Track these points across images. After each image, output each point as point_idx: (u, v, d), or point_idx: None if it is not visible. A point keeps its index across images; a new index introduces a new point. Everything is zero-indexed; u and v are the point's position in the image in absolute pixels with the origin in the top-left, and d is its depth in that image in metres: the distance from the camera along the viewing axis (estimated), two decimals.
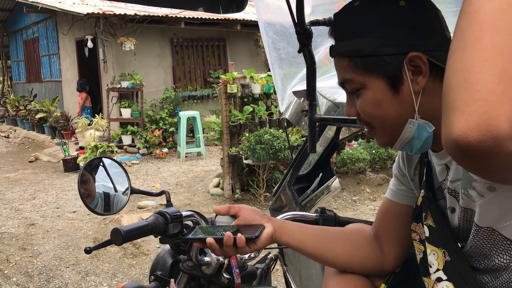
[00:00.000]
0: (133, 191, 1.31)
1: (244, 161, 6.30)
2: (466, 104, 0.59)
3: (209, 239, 1.10)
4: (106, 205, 1.29)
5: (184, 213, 1.21)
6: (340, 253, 1.25)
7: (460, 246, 1.08)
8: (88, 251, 1.10)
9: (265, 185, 6.23)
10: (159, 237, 1.19)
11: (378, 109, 0.99)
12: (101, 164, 1.39)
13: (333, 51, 1.05)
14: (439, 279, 1.06)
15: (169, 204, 1.24)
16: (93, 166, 1.31)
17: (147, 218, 1.16)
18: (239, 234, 1.11)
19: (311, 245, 1.23)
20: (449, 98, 0.62)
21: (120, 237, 1.05)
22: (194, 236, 1.14)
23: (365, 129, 1.08)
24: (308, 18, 1.58)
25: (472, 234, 1.01)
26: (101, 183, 1.36)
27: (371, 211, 5.96)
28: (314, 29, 1.62)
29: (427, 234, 1.10)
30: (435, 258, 1.08)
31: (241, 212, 1.21)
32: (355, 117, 1.07)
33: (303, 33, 1.58)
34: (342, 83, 1.05)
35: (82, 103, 11.40)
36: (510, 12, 0.59)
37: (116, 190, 1.36)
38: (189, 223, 1.25)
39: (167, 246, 1.43)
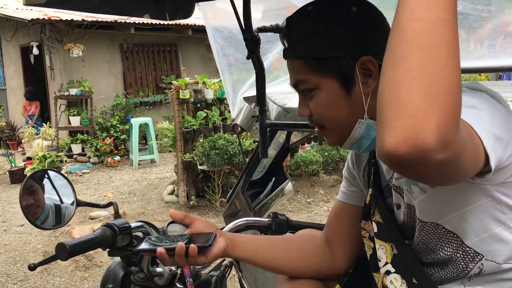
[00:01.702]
0: (79, 203, 1.27)
1: (199, 167, 6.26)
2: (396, 120, 0.62)
3: (160, 249, 1.08)
4: (51, 219, 1.25)
5: (133, 225, 1.19)
6: (291, 261, 1.28)
7: (407, 243, 1.12)
8: (32, 267, 1.06)
9: (220, 191, 6.21)
10: (108, 250, 1.16)
11: (331, 110, 1.03)
12: (46, 176, 1.34)
13: (287, 53, 1.08)
14: (387, 272, 1.10)
15: (117, 215, 1.21)
16: (36, 180, 1.26)
17: (94, 231, 1.13)
18: (192, 244, 1.09)
19: (261, 257, 1.25)
20: (382, 113, 0.65)
21: (65, 252, 1.02)
22: (144, 247, 1.11)
23: (316, 129, 1.11)
24: (258, 23, 1.59)
25: (417, 230, 1.06)
26: (47, 195, 1.31)
27: (325, 212, 6.05)
28: (262, 35, 1.63)
29: (375, 230, 1.14)
30: (384, 252, 1.12)
31: (195, 223, 1.20)
32: (307, 118, 1.10)
33: (251, 40, 1.59)
34: (296, 84, 1.08)
35: (38, 112, 10.98)
36: (435, 31, 0.62)
37: (62, 203, 1.32)
38: (139, 234, 1.23)
39: (118, 258, 1.40)
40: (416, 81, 0.61)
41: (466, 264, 0.98)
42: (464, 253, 0.98)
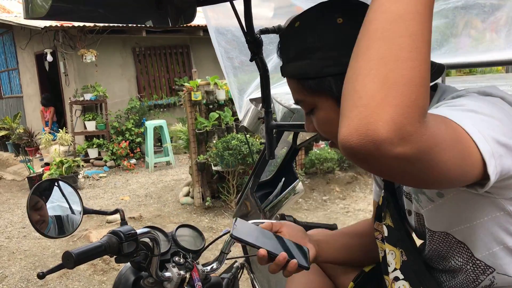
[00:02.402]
0: (86, 211, 1.29)
1: (213, 168, 6.27)
2: (350, 110, 0.62)
3: (263, 251, 1.09)
4: (59, 227, 1.26)
5: (139, 231, 1.19)
6: (362, 256, 1.33)
7: (423, 245, 1.11)
8: (41, 276, 1.08)
9: (235, 191, 6.22)
10: (115, 257, 1.17)
11: (331, 127, 1.00)
12: (56, 185, 1.36)
13: (282, 72, 1.06)
14: (396, 278, 1.08)
15: (123, 222, 1.22)
16: (42, 189, 1.28)
17: (100, 239, 1.14)
18: (294, 260, 1.10)
19: (342, 258, 1.31)
20: (342, 104, 0.65)
21: (71, 260, 1.03)
22: (246, 239, 1.12)
23: (328, 143, 1.10)
24: (270, 21, 1.58)
25: (428, 239, 1.05)
26: (56, 204, 1.33)
27: (341, 210, 6.03)
28: (264, 37, 1.63)
29: (386, 234, 1.13)
30: (393, 258, 1.10)
31: (284, 229, 1.21)
32: (314, 132, 1.09)
33: (253, 42, 1.59)
34: (297, 102, 1.07)
35: (51, 118, 11.14)
36: (400, 23, 0.61)
37: (72, 211, 1.34)
38: (146, 240, 1.24)
39: (129, 263, 1.41)
40: (374, 71, 0.61)
41: (477, 276, 0.96)
42: (474, 265, 0.96)
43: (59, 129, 9.79)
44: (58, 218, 1.27)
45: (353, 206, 6.11)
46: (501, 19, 1.71)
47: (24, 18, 1.10)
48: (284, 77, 1.07)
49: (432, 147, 0.62)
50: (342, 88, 0.96)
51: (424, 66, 0.61)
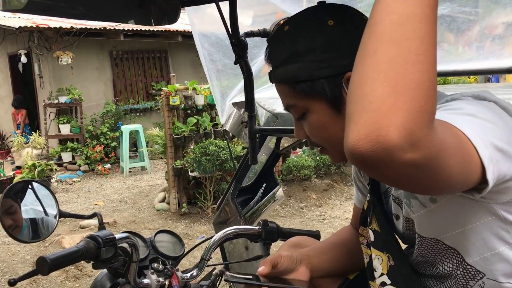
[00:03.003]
0: (62, 214, 1.23)
1: (190, 174, 6.21)
2: (359, 115, 0.59)
3: None
4: (34, 231, 1.21)
5: (118, 236, 1.15)
6: (350, 265, 1.33)
7: (410, 250, 1.09)
8: (12, 283, 1.02)
9: (212, 197, 6.17)
10: (92, 262, 1.12)
11: (324, 131, 0.99)
12: (29, 187, 1.30)
13: (271, 78, 1.04)
14: (383, 284, 1.07)
15: (101, 226, 1.17)
16: (16, 191, 1.22)
17: (77, 243, 1.09)
18: None
19: (333, 271, 1.30)
20: (348, 109, 0.62)
21: (46, 266, 0.98)
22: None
23: (318, 149, 1.08)
24: (248, 29, 1.57)
25: (417, 244, 1.04)
26: (29, 207, 1.28)
27: (317, 217, 6.04)
28: (249, 40, 1.62)
29: (372, 239, 1.11)
30: (380, 263, 1.09)
31: (280, 265, 1.18)
32: (304, 138, 1.07)
33: (238, 45, 1.57)
34: (287, 108, 1.05)
35: (23, 120, 10.88)
36: (407, 25, 0.60)
37: (46, 214, 1.28)
38: (125, 245, 1.19)
39: (105, 270, 1.36)
40: (383, 75, 0.59)
41: (467, 281, 0.96)
42: (464, 271, 0.95)
43: (32, 132, 9.57)
44: (33, 221, 1.21)
45: (329, 214, 6.13)
46: (473, 33, 1.75)
47: (1, 10, 1.05)
48: (273, 83, 1.05)
49: (440, 152, 0.61)
50: (335, 90, 0.95)
51: (433, 70, 0.60)
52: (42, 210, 1.28)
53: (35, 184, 1.31)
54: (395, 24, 0.60)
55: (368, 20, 0.64)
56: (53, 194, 1.26)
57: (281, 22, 1.47)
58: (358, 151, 0.58)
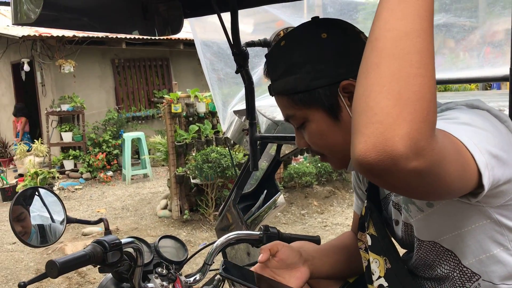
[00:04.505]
0: (70, 220, 1.27)
1: (192, 181, 6.24)
2: (365, 126, 0.62)
3: None
4: (42, 236, 1.24)
5: (123, 241, 1.18)
6: (350, 268, 1.35)
7: (409, 254, 1.13)
8: (22, 286, 1.05)
9: (214, 204, 6.19)
10: (98, 266, 1.15)
11: (324, 139, 1.03)
12: (36, 193, 1.34)
13: (271, 91, 1.09)
14: (381, 286, 1.10)
15: (107, 232, 1.21)
16: (26, 197, 1.25)
17: (84, 248, 1.12)
18: None
19: (334, 273, 1.33)
20: (354, 120, 0.65)
21: (55, 269, 1.01)
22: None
23: (319, 157, 1.12)
24: (250, 36, 1.61)
25: (416, 248, 1.07)
26: (37, 213, 1.31)
27: (319, 224, 6.05)
28: (250, 50, 1.66)
29: (369, 243, 1.15)
30: (377, 266, 1.12)
31: (280, 253, 1.21)
32: (306, 148, 1.11)
33: (240, 54, 1.61)
34: (287, 119, 1.09)
35: (22, 128, 10.93)
36: (407, 40, 0.63)
37: (53, 220, 1.32)
38: (130, 250, 1.22)
39: (110, 274, 1.39)
40: (386, 88, 0.62)
41: (463, 283, 0.99)
42: (461, 273, 0.98)
43: (34, 140, 9.61)
44: (41, 227, 1.25)
45: (331, 220, 6.14)
46: (474, 40, 1.79)
47: (13, 24, 1.09)
48: (272, 95, 1.10)
49: (441, 160, 0.65)
50: (331, 99, 1.00)
51: (432, 82, 0.63)
52: (49, 216, 1.32)
53: (42, 191, 1.34)
54: (395, 40, 0.63)
55: (369, 36, 0.67)
56: (60, 200, 1.30)
57: (281, 33, 1.52)
58: (366, 161, 0.61)
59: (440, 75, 1.97)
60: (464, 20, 1.64)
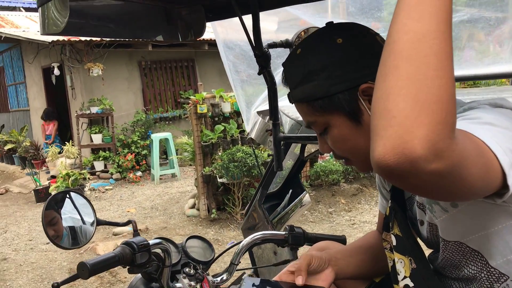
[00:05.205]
0: (99, 222, 1.31)
1: (219, 180, 6.29)
2: (384, 129, 0.63)
3: None
4: (73, 238, 1.29)
5: (151, 242, 1.21)
6: (375, 267, 1.35)
7: (435, 254, 1.12)
8: (56, 286, 1.09)
9: (240, 203, 6.23)
10: (128, 267, 1.19)
11: (347, 143, 1.04)
12: (67, 197, 1.38)
13: (290, 98, 1.10)
14: (406, 286, 1.10)
15: (136, 233, 1.24)
16: (57, 201, 1.30)
17: (114, 250, 1.16)
18: None
19: (360, 273, 1.33)
20: (373, 123, 0.66)
21: (86, 271, 1.05)
22: None
23: (343, 161, 1.12)
24: (274, 35, 1.61)
25: (441, 248, 1.06)
26: (68, 215, 1.35)
27: (347, 222, 6.01)
28: (272, 51, 1.67)
29: (394, 243, 1.14)
30: (402, 266, 1.12)
31: (312, 265, 1.23)
32: (329, 152, 1.12)
33: (262, 56, 1.62)
34: (308, 126, 1.10)
35: (55, 131, 11.22)
36: (424, 43, 0.63)
37: (84, 222, 1.36)
38: (158, 251, 1.26)
39: (139, 274, 1.43)
40: (404, 91, 0.62)
41: (491, 284, 0.98)
42: (488, 273, 0.97)
43: (65, 143, 9.85)
44: (72, 229, 1.29)
45: (359, 218, 6.10)
46: (504, 32, 1.74)
47: (41, 34, 1.13)
48: (292, 103, 1.11)
49: (462, 161, 0.64)
50: (352, 103, 1.00)
51: (450, 84, 0.63)
52: (80, 218, 1.36)
53: (72, 194, 1.39)
54: (412, 42, 0.63)
55: (386, 39, 0.67)
56: (90, 203, 1.34)
57: (302, 33, 1.52)
58: (385, 163, 0.62)
59: (468, 70, 1.94)
60: (490, 14, 1.60)
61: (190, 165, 8.96)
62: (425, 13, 0.63)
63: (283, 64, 1.11)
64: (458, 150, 0.63)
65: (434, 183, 0.64)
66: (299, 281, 1.18)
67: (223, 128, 6.47)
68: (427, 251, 1.16)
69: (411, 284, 1.09)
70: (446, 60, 0.63)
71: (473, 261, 0.99)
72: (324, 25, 1.09)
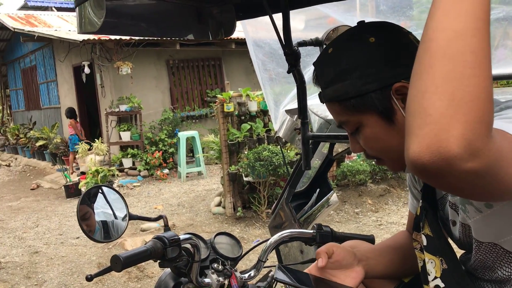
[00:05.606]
0: (131, 217, 1.33)
1: (244, 179, 6.32)
2: (419, 128, 0.62)
3: None
4: (106, 232, 1.32)
5: (182, 237, 1.23)
6: (404, 268, 1.34)
7: (467, 255, 1.11)
8: (89, 278, 1.12)
9: (266, 202, 6.24)
10: (159, 261, 1.21)
11: (379, 143, 1.03)
12: (100, 191, 1.41)
13: (321, 98, 1.09)
14: (437, 287, 1.09)
15: (167, 228, 1.26)
16: (90, 196, 1.33)
17: (146, 244, 1.18)
18: None
19: (388, 273, 1.33)
20: (408, 122, 0.65)
21: (119, 263, 1.08)
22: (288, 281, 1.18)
23: (375, 161, 1.12)
24: (301, 33, 1.61)
25: (474, 249, 1.05)
26: (101, 210, 1.38)
27: (373, 222, 5.96)
28: (301, 49, 1.67)
29: (424, 243, 1.13)
30: (433, 266, 1.11)
31: (336, 255, 1.24)
32: (361, 152, 1.11)
33: (291, 54, 1.63)
34: (340, 125, 1.09)
35: (81, 129, 11.45)
36: (461, 40, 0.62)
37: (116, 217, 1.39)
38: (188, 246, 1.28)
39: (168, 269, 1.45)
40: (440, 89, 0.61)
41: None
42: None
43: (95, 140, 10.04)
44: (104, 223, 1.32)
45: (386, 219, 6.03)
46: None
47: (78, 33, 1.17)
48: (323, 103, 1.10)
49: (499, 160, 0.64)
50: (384, 102, 0.99)
51: (488, 82, 0.62)
52: (112, 213, 1.39)
53: (105, 189, 1.42)
54: (448, 40, 0.62)
55: (422, 37, 0.67)
56: (122, 197, 1.37)
57: (331, 32, 1.52)
58: (420, 162, 0.61)
59: (502, 69, 1.90)
60: None
61: (216, 163, 9.02)
62: (462, 11, 0.63)
63: (314, 64, 1.10)
64: (494, 150, 0.62)
65: (470, 182, 0.63)
66: (320, 263, 1.20)
67: (249, 127, 6.49)
68: (458, 253, 1.14)
69: (442, 285, 1.08)
70: (483, 58, 0.62)
71: (508, 263, 0.98)
72: (355, 23, 1.08)
